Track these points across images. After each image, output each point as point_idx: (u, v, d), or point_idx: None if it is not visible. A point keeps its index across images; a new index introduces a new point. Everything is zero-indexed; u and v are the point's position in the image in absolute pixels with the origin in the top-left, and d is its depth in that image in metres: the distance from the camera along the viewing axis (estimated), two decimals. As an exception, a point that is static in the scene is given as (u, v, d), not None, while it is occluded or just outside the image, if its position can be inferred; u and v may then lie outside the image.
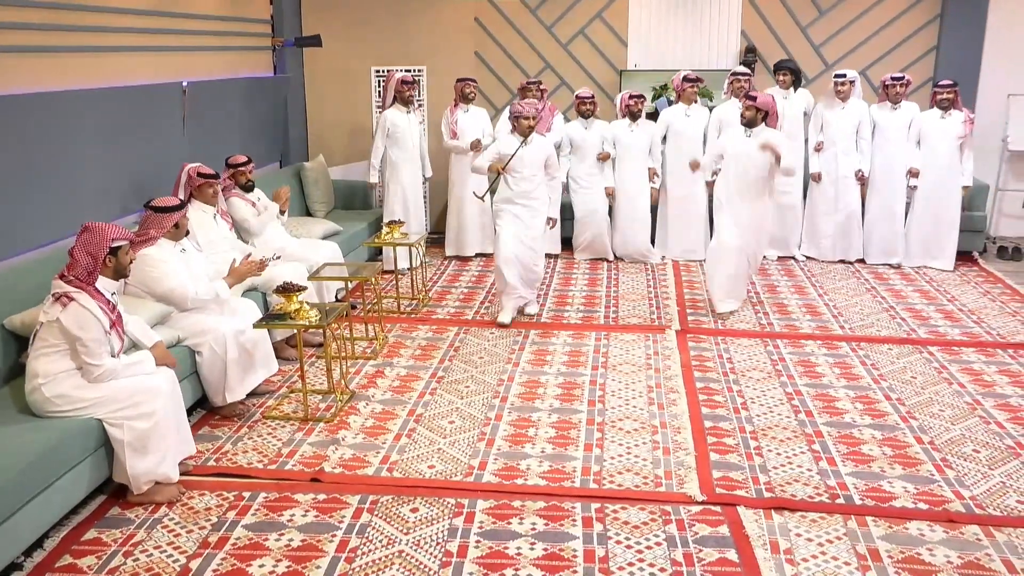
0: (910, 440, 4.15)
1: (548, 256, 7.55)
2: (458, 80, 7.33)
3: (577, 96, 7.38)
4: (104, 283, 3.56)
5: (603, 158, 7.36)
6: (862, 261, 7.41)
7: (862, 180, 7.27)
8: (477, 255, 7.66)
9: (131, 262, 3.73)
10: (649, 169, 7.37)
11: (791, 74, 7.29)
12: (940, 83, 7.07)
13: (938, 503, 3.58)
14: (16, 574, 3.13)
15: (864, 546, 3.27)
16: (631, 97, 7.27)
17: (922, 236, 7.25)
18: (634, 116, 7.27)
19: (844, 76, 7.18)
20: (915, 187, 7.16)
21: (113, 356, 3.54)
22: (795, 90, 7.35)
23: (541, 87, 7.42)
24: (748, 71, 7.31)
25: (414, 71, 7.94)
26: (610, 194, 7.43)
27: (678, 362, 5.15)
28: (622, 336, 5.63)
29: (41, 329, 3.46)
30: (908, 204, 7.30)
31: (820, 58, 8.15)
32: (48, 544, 3.30)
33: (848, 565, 3.15)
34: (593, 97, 7.36)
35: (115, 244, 3.55)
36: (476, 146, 7.12)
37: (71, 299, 3.41)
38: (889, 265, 7.31)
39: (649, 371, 5.02)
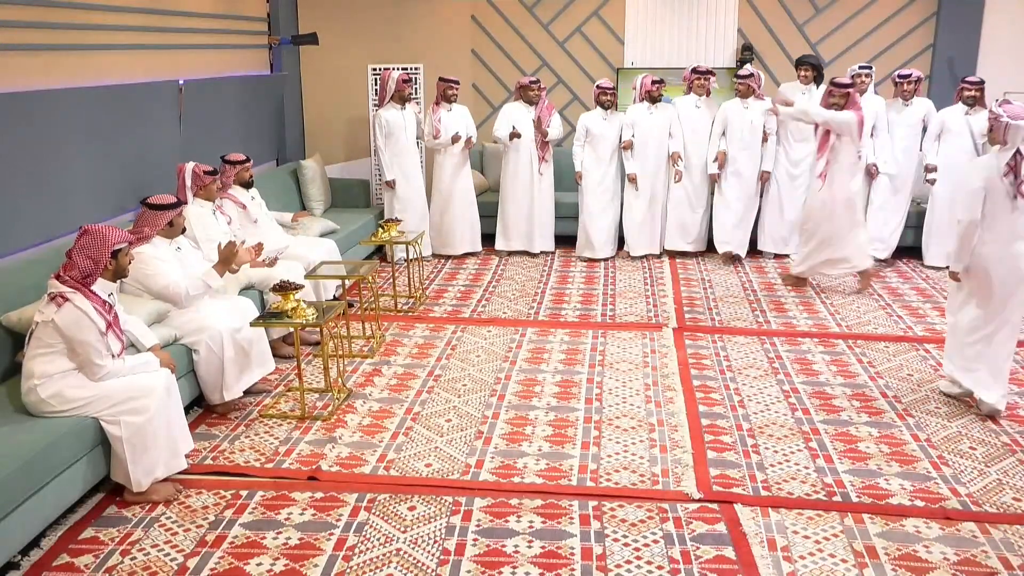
0: (907, 437, 4.16)
1: (544, 253, 7.60)
2: (440, 80, 7.32)
3: (598, 86, 7.36)
4: (101, 284, 3.55)
5: (626, 146, 7.36)
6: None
7: (873, 175, 7.20)
8: (467, 254, 7.65)
9: (130, 263, 3.73)
10: (673, 154, 7.36)
11: (813, 69, 7.24)
12: (967, 79, 6.90)
13: (935, 500, 3.58)
14: (13, 573, 3.12)
15: (861, 543, 3.28)
16: (653, 82, 7.29)
17: (943, 233, 7.03)
18: (654, 100, 7.28)
19: (870, 68, 7.13)
20: (933, 181, 7.04)
21: (114, 357, 3.53)
22: (816, 86, 7.29)
23: (541, 87, 7.42)
24: (752, 73, 7.24)
25: (411, 69, 7.94)
26: (632, 180, 7.42)
27: (675, 360, 5.16)
28: (619, 334, 5.63)
29: (37, 329, 3.45)
30: (923, 200, 7.24)
31: (817, 56, 8.15)
32: (45, 543, 3.30)
33: (845, 562, 3.16)
34: (614, 88, 7.35)
35: (116, 247, 3.54)
36: (456, 139, 7.23)
37: (66, 300, 3.40)
38: (881, 260, 7.31)
39: (646, 369, 5.03)
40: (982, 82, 6.88)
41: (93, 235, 3.49)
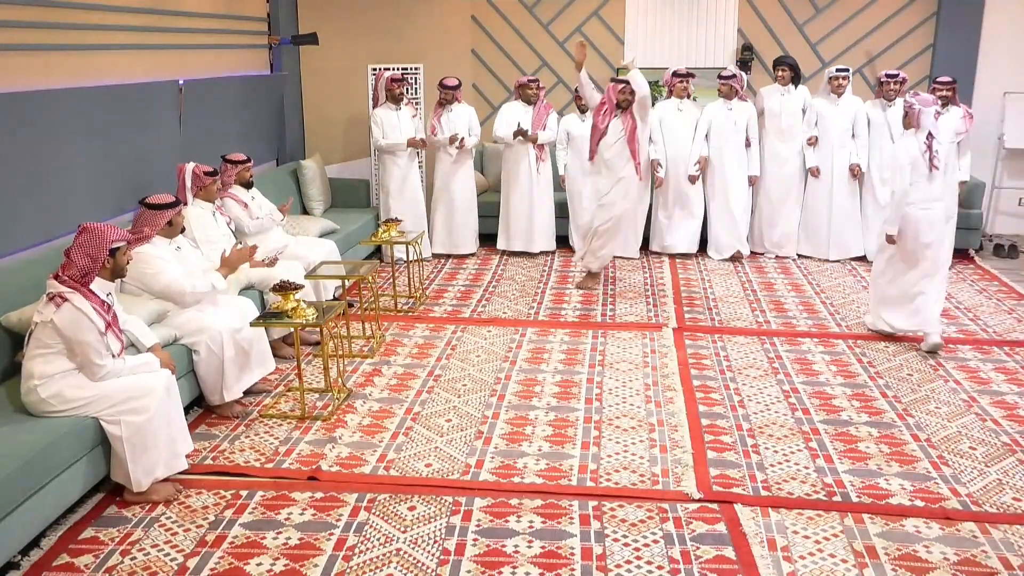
0: (906, 437, 4.16)
1: (544, 253, 7.60)
2: (439, 85, 7.33)
3: (576, 91, 7.37)
4: (100, 284, 3.54)
5: None
6: (861, 259, 7.41)
7: (858, 175, 7.24)
8: (467, 254, 7.64)
9: (128, 262, 3.73)
10: (653, 161, 7.35)
11: (790, 70, 7.29)
12: (938, 79, 6.99)
13: (934, 500, 3.58)
14: (13, 573, 3.12)
15: (861, 543, 3.28)
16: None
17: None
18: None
19: (847, 71, 7.17)
20: None
21: (114, 357, 3.53)
22: (795, 87, 7.34)
23: (540, 86, 7.43)
24: (734, 74, 7.30)
25: (411, 69, 7.94)
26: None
27: (675, 360, 5.16)
28: (619, 334, 5.63)
29: (36, 329, 3.45)
30: None
31: (816, 56, 8.15)
32: (45, 543, 3.30)
33: (845, 562, 3.16)
34: None
35: (114, 246, 3.54)
36: (456, 141, 7.21)
37: (65, 300, 3.39)
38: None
39: (646, 369, 5.03)
40: (954, 82, 6.93)
41: (92, 233, 3.49)
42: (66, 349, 3.44)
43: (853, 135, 7.22)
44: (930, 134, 5.03)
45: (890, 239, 5.21)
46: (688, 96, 7.43)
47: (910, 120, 5.11)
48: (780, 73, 7.33)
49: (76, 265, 3.44)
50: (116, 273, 3.64)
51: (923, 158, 5.04)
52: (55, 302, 3.40)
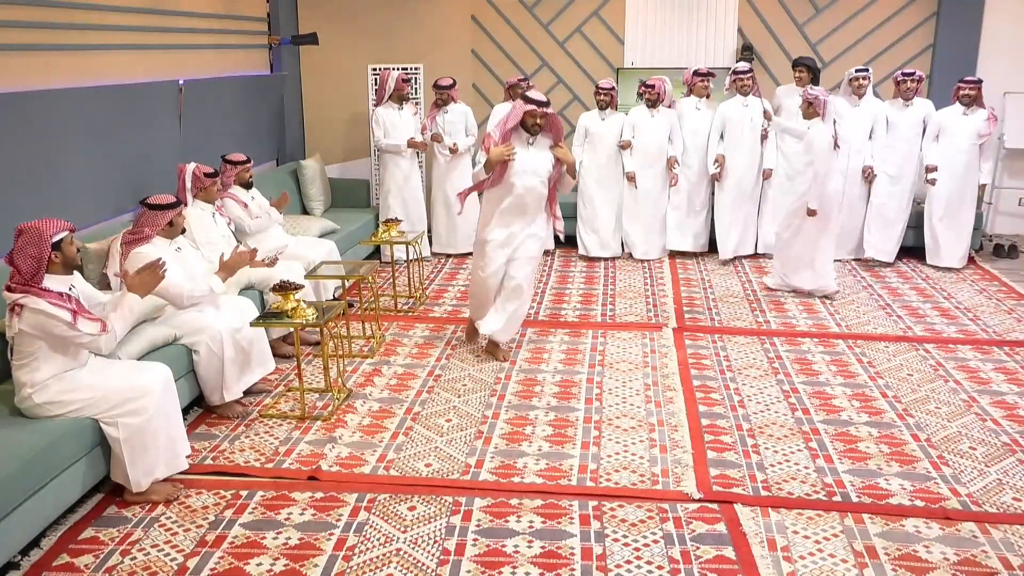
0: (906, 437, 4.16)
1: (544, 253, 7.59)
2: (433, 86, 7.34)
3: (598, 86, 7.37)
4: (55, 280, 3.42)
5: (624, 146, 7.36)
6: (861, 260, 7.40)
7: (869, 177, 7.20)
8: (467, 253, 7.65)
9: (78, 250, 3.58)
10: (669, 159, 7.33)
11: (808, 71, 7.21)
12: (964, 79, 6.93)
13: (935, 500, 3.58)
14: (13, 573, 3.12)
15: (861, 543, 3.28)
16: (642, 85, 7.32)
17: (936, 233, 7.16)
18: (651, 103, 7.28)
19: (866, 71, 7.12)
20: (934, 181, 7.01)
21: (99, 334, 3.43)
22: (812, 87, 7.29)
23: (530, 86, 7.42)
24: (750, 68, 7.27)
25: (411, 69, 7.94)
26: (631, 179, 7.38)
27: (675, 360, 5.16)
28: (619, 334, 5.63)
29: (13, 343, 3.41)
30: (922, 201, 7.25)
31: (817, 56, 8.15)
32: (45, 543, 3.30)
33: (845, 562, 3.16)
34: (613, 89, 7.34)
35: (56, 238, 3.41)
36: (455, 150, 7.23)
37: (22, 307, 3.32)
38: (884, 263, 7.32)
39: (646, 369, 5.03)
40: (979, 81, 6.89)
41: (29, 232, 3.36)
42: (50, 346, 3.39)
43: (871, 136, 7.14)
44: (834, 120, 6.00)
45: (812, 212, 6.06)
46: (708, 95, 7.40)
47: (815, 110, 5.99)
48: (798, 74, 7.25)
49: (21, 270, 3.33)
50: (68, 265, 3.50)
51: (832, 140, 5.92)
52: (15, 312, 3.33)
